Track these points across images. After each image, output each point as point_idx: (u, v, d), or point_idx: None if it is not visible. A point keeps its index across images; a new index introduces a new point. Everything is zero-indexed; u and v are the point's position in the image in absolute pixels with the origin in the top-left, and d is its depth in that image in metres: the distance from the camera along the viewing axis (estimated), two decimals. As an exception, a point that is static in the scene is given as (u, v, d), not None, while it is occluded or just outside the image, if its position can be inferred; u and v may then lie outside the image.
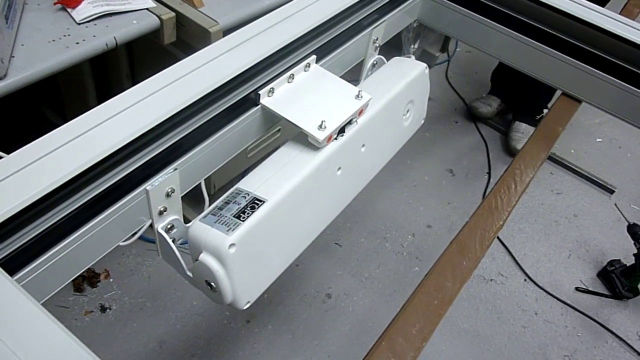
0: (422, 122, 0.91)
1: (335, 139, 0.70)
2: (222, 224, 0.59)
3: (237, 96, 0.68)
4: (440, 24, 1.04)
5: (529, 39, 0.95)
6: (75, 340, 0.41)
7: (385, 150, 0.82)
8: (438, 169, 2.27)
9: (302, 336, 1.71)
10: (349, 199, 0.76)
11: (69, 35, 1.14)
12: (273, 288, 1.79)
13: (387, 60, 0.92)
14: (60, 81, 1.74)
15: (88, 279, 1.73)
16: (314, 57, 0.77)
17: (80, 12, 1.18)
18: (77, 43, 1.12)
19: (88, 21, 1.17)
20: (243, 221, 0.59)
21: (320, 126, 0.67)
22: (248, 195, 0.62)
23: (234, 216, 0.60)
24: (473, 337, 1.78)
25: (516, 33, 0.97)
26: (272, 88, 0.72)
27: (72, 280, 1.72)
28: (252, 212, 0.60)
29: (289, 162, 0.67)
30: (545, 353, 1.78)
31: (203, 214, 0.61)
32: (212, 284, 0.59)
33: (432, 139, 2.39)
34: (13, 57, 1.06)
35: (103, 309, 1.68)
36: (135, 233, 0.74)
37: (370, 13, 0.86)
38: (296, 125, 0.68)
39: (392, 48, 2.47)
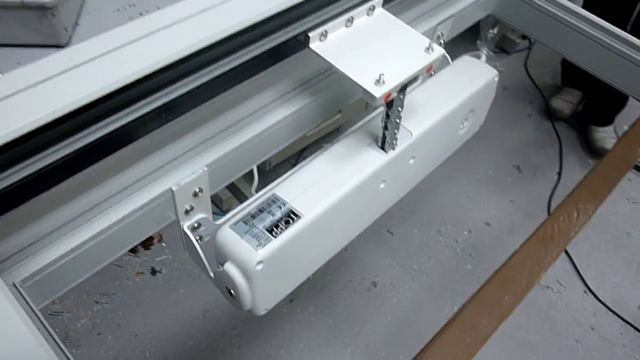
0: (477, 129, 0.84)
1: (388, 149, 0.64)
2: (252, 236, 0.56)
3: (281, 37, 0.58)
4: (518, 20, 0.95)
5: (620, 47, 0.85)
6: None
7: (433, 161, 0.76)
8: (504, 164, 2.16)
9: (343, 322, 1.69)
10: (386, 209, 0.72)
11: (134, 5, 1.13)
12: (319, 270, 1.79)
13: (450, 56, 0.84)
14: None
15: (143, 242, 1.78)
16: None
17: (147, -19, 1.17)
18: (141, 14, 1.11)
19: (154, -8, 1.16)
20: (275, 237, 0.56)
21: (378, 81, 0.58)
22: (284, 205, 0.59)
23: (266, 229, 0.57)
24: (520, 344, 1.71)
25: (605, 39, 0.87)
26: (325, 31, 0.62)
27: (127, 241, 1.79)
28: (286, 227, 0.57)
29: (332, 173, 0.62)
30: (597, 372, 1.68)
31: (234, 219, 0.59)
32: (233, 292, 0.58)
33: (501, 131, 2.27)
34: (77, 25, 1.06)
35: (154, 271, 1.73)
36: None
37: (434, 8, 0.78)
38: (349, 78, 0.59)
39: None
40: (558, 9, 0.89)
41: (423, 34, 0.79)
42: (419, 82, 0.82)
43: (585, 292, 1.86)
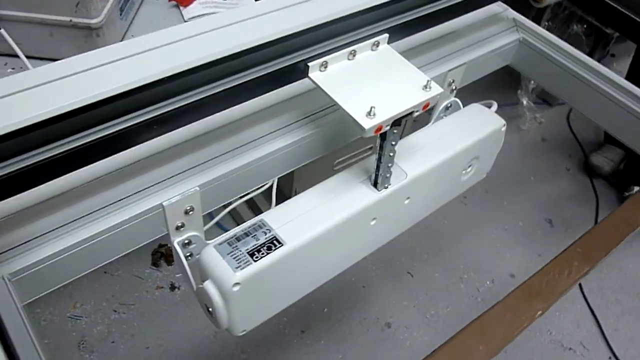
0: (484, 176, 0.84)
1: (380, 187, 0.66)
2: (234, 257, 0.58)
3: (280, 64, 0.61)
4: (538, 75, 0.95)
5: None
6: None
7: (431, 203, 0.77)
8: (536, 217, 2.11)
9: (352, 359, 1.68)
10: (378, 246, 0.73)
11: (174, 31, 1.20)
12: (335, 304, 1.79)
13: (462, 103, 0.85)
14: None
15: (165, 257, 1.83)
16: (386, 35, 0.68)
17: (190, 11, 1.24)
18: (180, 40, 1.18)
19: (195, 20, 1.22)
20: (255, 261, 0.58)
21: (370, 113, 0.59)
22: (269, 232, 0.61)
23: (248, 252, 0.59)
24: (535, 406, 1.64)
25: (626, 102, 0.86)
26: (326, 62, 0.64)
27: (152, 255, 1.83)
28: (267, 253, 0.59)
29: (322, 205, 0.64)
30: None
31: (220, 240, 0.61)
32: (210, 310, 0.59)
33: (536, 183, 2.22)
34: (121, 46, 1.14)
35: (172, 287, 1.77)
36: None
37: (448, 55, 0.80)
38: (342, 108, 0.61)
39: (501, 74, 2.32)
40: (580, 67, 0.88)
41: (433, 79, 0.80)
42: (430, 124, 0.83)
43: (610, 358, 1.77)
